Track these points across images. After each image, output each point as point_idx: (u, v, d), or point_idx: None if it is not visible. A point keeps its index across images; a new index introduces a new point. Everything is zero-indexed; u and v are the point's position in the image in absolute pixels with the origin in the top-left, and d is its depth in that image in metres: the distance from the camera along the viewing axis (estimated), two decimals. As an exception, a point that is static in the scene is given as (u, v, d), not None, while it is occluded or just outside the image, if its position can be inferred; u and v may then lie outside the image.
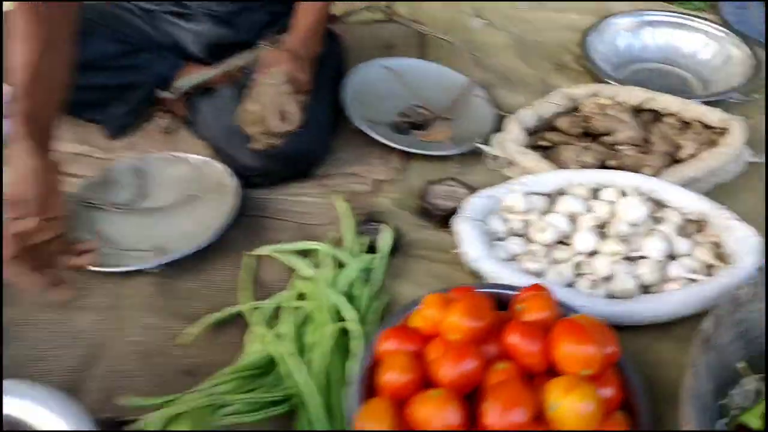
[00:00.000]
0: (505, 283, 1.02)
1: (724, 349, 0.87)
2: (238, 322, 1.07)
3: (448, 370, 0.78)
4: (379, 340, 0.89)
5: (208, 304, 1.10)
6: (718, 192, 1.28)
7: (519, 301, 0.89)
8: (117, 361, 1.01)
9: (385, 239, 1.15)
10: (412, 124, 1.46)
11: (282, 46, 1.29)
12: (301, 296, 1.07)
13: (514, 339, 0.82)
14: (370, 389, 0.86)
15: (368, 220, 1.23)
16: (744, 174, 1.31)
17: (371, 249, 1.16)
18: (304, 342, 0.99)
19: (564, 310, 0.94)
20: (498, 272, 1.04)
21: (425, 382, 0.82)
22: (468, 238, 1.09)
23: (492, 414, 0.73)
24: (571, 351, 0.78)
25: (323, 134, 1.35)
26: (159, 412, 0.68)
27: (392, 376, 0.81)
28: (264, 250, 1.15)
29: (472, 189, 1.28)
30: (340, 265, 1.12)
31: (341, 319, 1.01)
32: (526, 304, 0.87)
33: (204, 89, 1.39)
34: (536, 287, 0.93)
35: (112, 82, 1.39)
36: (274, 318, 1.05)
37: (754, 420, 0.80)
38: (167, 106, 1.44)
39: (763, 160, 1.30)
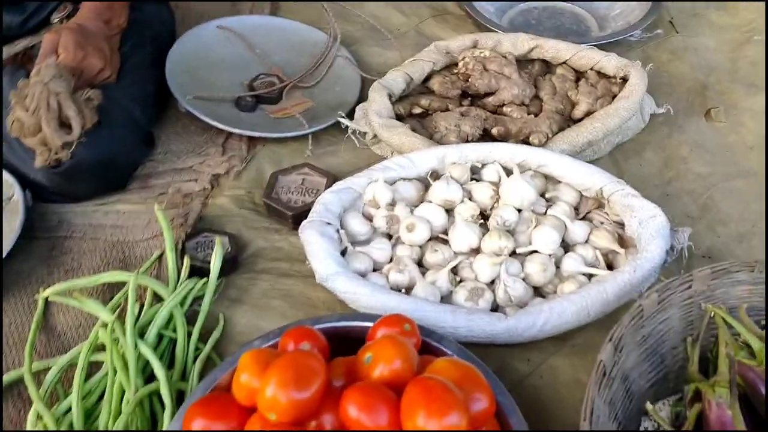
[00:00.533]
0: (361, 306, 0.81)
1: (628, 375, 0.69)
2: (17, 393, 0.81)
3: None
4: (186, 418, 0.66)
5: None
6: (620, 153, 1.10)
7: (367, 347, 0.67)
8: None
9: (216, 256, 0.90)
10: (260, 98, 1.20)
11: (66, 23, 0.99)
12: (102, 348, 0.82)
13: (354, 411, 0.60)
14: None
15: (201, 231, 0.98)
16: (647, 129, 1.13)
17: (201, 270, 0.91)
18: (99, 418, 0.74)
19: (433, 341, 0.73)
20: (354, 293, 0.82)
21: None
22: (316, 250, 0.86)
23: None
24: (425, 426, 0.56)
25: (136, 133, 1.07)
26: None
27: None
28: (52, 291, 0.88)
29: (331, 177, 1.04)
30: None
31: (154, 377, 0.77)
32: (375, 352, 0.65)
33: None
34: (393, 319, 0.71)
35: None
36: (65, 383, 0.80)
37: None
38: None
39: (666, 110, 1.12)
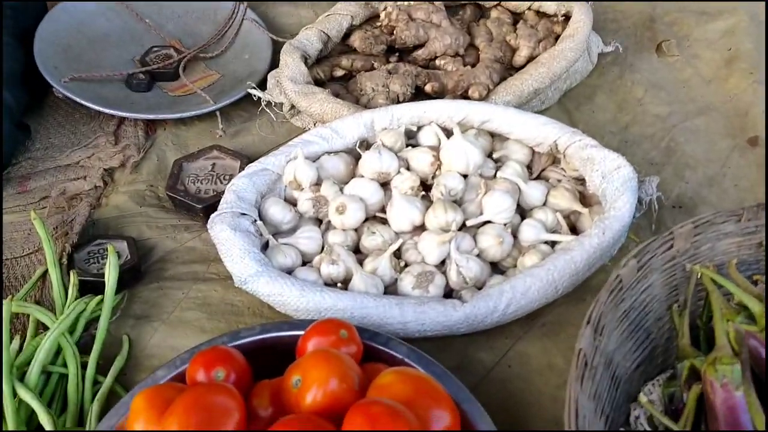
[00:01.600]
0: (290, 309, 0.67)
1: (611, 358, 0.58)
2: None
3: None
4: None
5: None
6: (569, 101, 0.99)
7: (295, 367, 0.53)
8: None
9: (111, 267, 0.74)
10: (155, 74, 1.03)
11: None
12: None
13: (279, 456, 0.46)
14: None
15: (93, 238, 0.82)
16: (596, 70, 1.02)
17: (95, 287, 0.76)
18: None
19: (378, 344, 0.61)
20: (279, 294, 0.68)
21: None
22: (229, 248, 0.71)
23: None
24: (375, 466, 0.44)
25: (7, 118, 0.89)
26: None
27: None
28: None
29: (245, 159, 0.89)
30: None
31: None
32: (304, 373, 0.52)
33: None
34: (327, 325, 0.58)
35: None
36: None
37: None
38: None
39: (614, 48, 1.01)
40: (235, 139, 0.97)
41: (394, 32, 0.99)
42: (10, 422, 0.61)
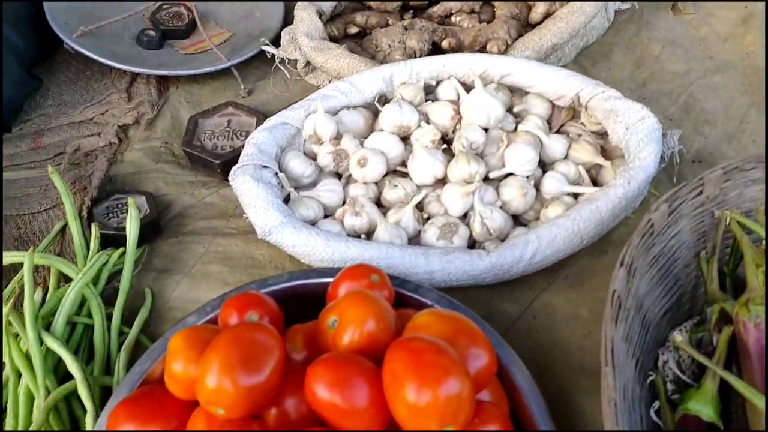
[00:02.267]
0: (315, 260, 0.67)
1: (642, 302, 0.58)
2: None
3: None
4: (110, 421, 0.51)
5: None
6: (586, 58, 0.98)
7: (330, 308, 0.53)
8: None
9: (132, 220, 0.74)
10: (166, 32, 1.01)
11: None
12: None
13: (322, 392, 0.46)
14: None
15: (111, 193, 0.81)
16: (613, 28, 1.01)
17: (115, 240, 0.75)
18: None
19: (408, 291, 0.61)
20: (304, 245, 0.68)
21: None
22: (252, 200, 0.71)
23: None
24: (417, 400, 0.44)
25: (17, 59, 0.88)
26: None
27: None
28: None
29: (261, 115, 0.88)
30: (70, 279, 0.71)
31: (68, 375, 0.62)
32: (340, 313, 0.52)
33: None
34: (358, 270, 0.58)
35: None
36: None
37: (704, 408, 0.52)
38: None
39: (630, 6, 1.00)
40: (250, 97, 0.96)
41: (410, -12, 0.98)
42: (38, 371, 0.61)
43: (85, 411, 0.60)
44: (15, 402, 0.61)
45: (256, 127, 0.83)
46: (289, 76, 0.96)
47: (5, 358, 0.62)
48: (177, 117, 0.93)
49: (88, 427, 0.58)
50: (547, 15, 0.96)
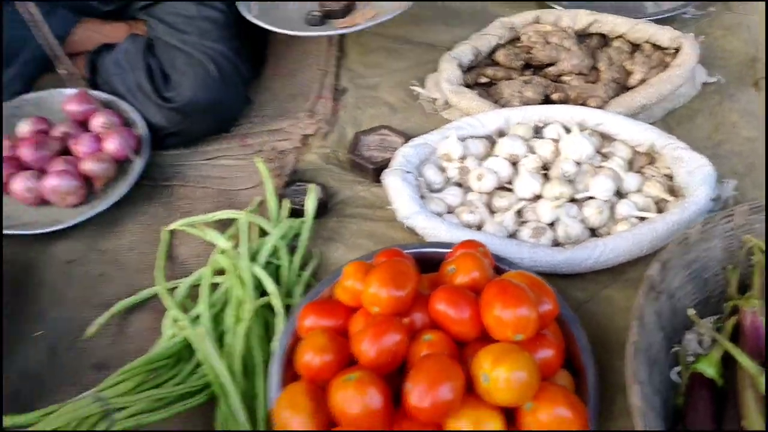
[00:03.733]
0: (439, 241, 0.94)
1: (674, 293, 0.80)
2: (151, 306, 0.97)
3: (369, 347, 0.69)
4: (300, 316, 0.80)
5: (119, 288, 1.00)
6: (672, 119, 1.20)
7: (449, 261, 0.80)
8: (23, 361, 0.91)
9: (310, 200, 1.05)
10: (328, 13, 1.33)
11: None
12: (221, 272, 0.98)
13: (442, 306, 0.73)
14: (292, 372, 0.78)
15: (295, 181, 1.13)
16: (699, 97, 1.22)
17: (297, 213, 1.06)
18: (224, 323, 0.89)
19: (503, 266, 0.86)
20: (432, 228, 0.95)
21: (348, 361, 0.73)
22: (399, 193, 0.99)
23: (415, 393, 0.65)
24: (502, 316, 0.69)
25: (236, 83, 1.23)
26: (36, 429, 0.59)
27: (310, 357, 0.72)
28: (179, 224, 1.04)
29: (406, 137, 1.17)
30: (265, 233, 1.02)
31: (266, 293, 0.92)
32: (456, 264, 0.78)
33: (103, 46, 1.26)
34: (469, 243, 0.84)
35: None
36: (191, 299, 0.96)
37: (708, 368, 0.73)
38: (62, 66, 1.29)
39: (717, 79, 1.21)
40: (398, 123, 1.25)
41: (532, 51, 1.24)
42: (249, 285, 0.91)
43: (273, 316, 0.90)
44: (233, 304, 0.91)
45: (403, 145, 1.13)
46: (428, 111, 1.25)
47: (229, 276, 0.93)
48: (343, 134, 1.24)
49: (278, 325, 0.87)
50: (642, 82, 1.19)
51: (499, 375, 0.65)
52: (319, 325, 0.78)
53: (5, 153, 1.11)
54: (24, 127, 1.16)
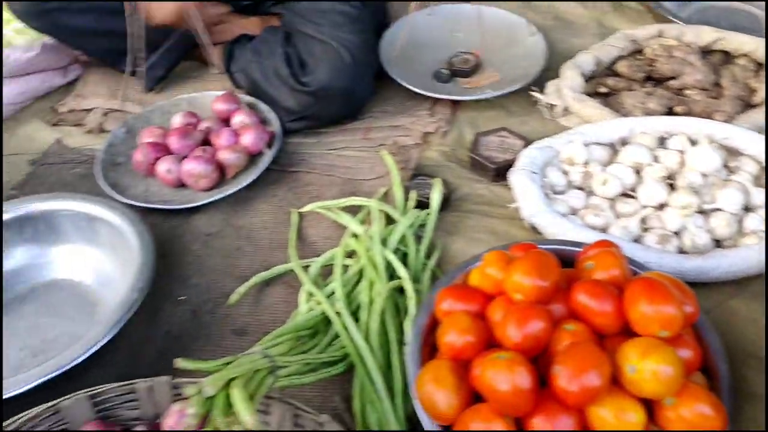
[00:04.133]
0: (567, 239, 0.96)
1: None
2: (284, 281, 1.04)
3: (514, 331, 0.73)
4: (438, 299, 0.85)
5: (253, 262, 1.07)
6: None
7: (586, 258, 0.83)
8: (168, 321, 0.99)
9: (436, 194, 1.09)
10: (455, 72, 1.38)
11: None
12: (350, 254, 1.04)
13: (583, 298, 0.76)
14: (427, 350, 0.82)
15: (417, 175, 1.18)
16: (824, 118, 1.21)
17: (421, 204, 1.11)
18: (358, 301, 0.95)
19: (634, 267, 0.88)
20: (558, 227, 0.98)
21: (487, 343, 0.77)
22: (525, 192, 1.03)
23: (564, 377, 0.68)
24: (648, 311, 0.72)
25: (366, 73, 1.29)
26: (214, 375, 0.65)
27: (453, 337, 0.77)
28: (312, 207, 1.11)
29: (526, 140, 1.21)
30: (389, 221, 1.07)
31: (392, 277, 0.97)
32: (595, 261, 0.81)
33: (241, 36, 1.35)
34: (603, 243, 0.87)
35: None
36: (321, 277, 1.02)
37: None
38: (203, 54, 1.38)
39: None
40: (514, 127, 1.29)
41: (655, 64, 1.26)
42: (381, 267, 0.96)
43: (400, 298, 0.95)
44: (366, 284, 0.96)
45: (524, 147, 1.17)
46: (546, 117, 1.28)
47: (362, 259, 0.99)
48: (461, 134, 1.29)
49: (411, 308, 0.92)
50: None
51: (647, 367, 0.68)
52: (456, 309, 0.82)
53: (157, 139, 1.21)
54: (176, 120, 1.26)
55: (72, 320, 0.99)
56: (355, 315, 0.93)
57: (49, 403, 0.70)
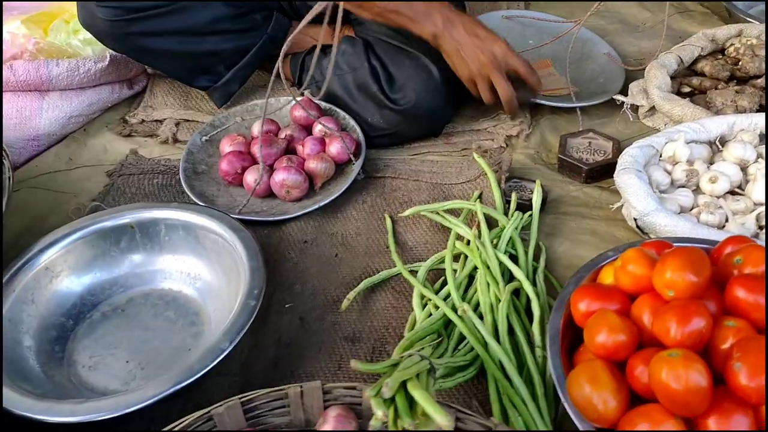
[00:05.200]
0: (692, 237, 0.94)
1: None
2: (391, 286, 1.01)
3: (677, 329, 0.70)
4: (574, 299, 0.82)
5: (353, 268, 1.04)
6: None
7: (732, 253, 0.80)
8: (277, 329, 0.96)
9: (537, 195, 1.07)
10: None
11: None
12: (455, 258, 1.01)
13: (742, 293, 0.73)
14: (564, 351, 0.80)
15: (510, 177, 1.16)
16: None
17: (519, 207, 1.09)
18: (473, 304, 0.92)
19: None
20: (674, 226, 0.96)
21: (639, 343, 0.75)
22: (635, 191, 1.01)
23: (745, 373, 0.65)
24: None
25: (452, 89, 1.27)
26: (393, 377, 0.62)
27: (604, 337, 0.74)
28: (413, 211, 1.08)
29: (615, 140, 1.19)
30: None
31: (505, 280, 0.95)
32: (743, 255, 0.79)
33: (313, 47, 1.33)
34: (737, 239, 0.85)
35: (221, 47, 1.31)
36: (428, 281, 0.99)
37: None
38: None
39: None
40: (597, 129, 1.28)
41: (739, 63, 1.25)
42: (495, 269, 0.94)
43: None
44: (483, 287, 0.93)
45: (612, 150, 1.15)
46: (630, 119, 1.27)
47: (476, 261, 0.96)
48: (544, 136, 1.27)
49: (535, 311, 0.89)
50: None
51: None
52: (596, 308, 0.80)
53: (239, 148, 1.19)
54: (257, 128, 1.24)
55: (171, 330, 0.96)
56: (474, 319, 0.90)
57: (202, 411, 0.66)
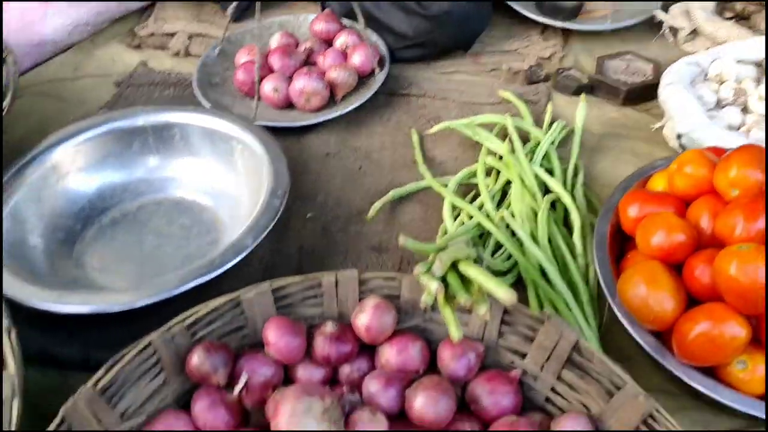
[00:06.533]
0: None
1: None
2: (418, 199, 0.95)
3: (744, 226, 0.65)
4: (622, 205, 0.77)
5: (378, 181, 0.98)
6: None
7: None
8: (299, 237, 0.90)
9: (581, 111, 1.01)
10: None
11: None
12: (487, 173, 0.95)
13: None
14: (612, 257, 0.75)
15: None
16: None
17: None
18: (512, 210, 0.87)
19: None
20: (726, 144, 0.90)
21: (697, 244, 0.69)
22: (682, 107, 0.95)
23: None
24: None
25: (487, 4, 1.20)
26: (446, 253, 0.56)
27: (662, 237, 0.69)
28: (443, 126, 1.02)
29: (655, 62, 1.13)
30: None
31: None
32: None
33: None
34: None
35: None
36: (458, 195, 0.93)
37: None
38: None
39: None
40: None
41: (788, -14, 1.18)
42: (531, 181, 0.88)
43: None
44: (516, 203, 0.88)
45: (652, 72, 1.09)
46: (670, 42, 1.20)
47: (510, 174, 0.90)
48: (577, 60, 1.21)
49: (575, 222, 0.84)
50: None
51: None
52: (647, 213, 0.74)
53: (260, 61, 1.12)
54: (274, 40, 1.17)
55: (186, 238, 0.90)
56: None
57: (231, 294, 0.61)
